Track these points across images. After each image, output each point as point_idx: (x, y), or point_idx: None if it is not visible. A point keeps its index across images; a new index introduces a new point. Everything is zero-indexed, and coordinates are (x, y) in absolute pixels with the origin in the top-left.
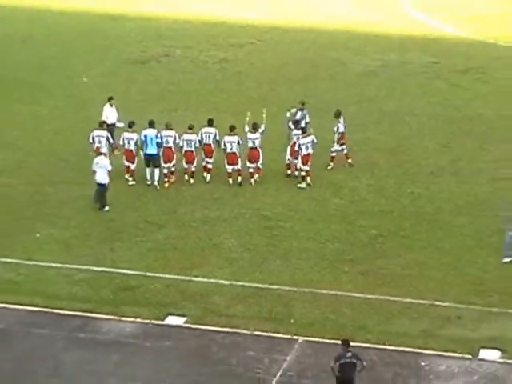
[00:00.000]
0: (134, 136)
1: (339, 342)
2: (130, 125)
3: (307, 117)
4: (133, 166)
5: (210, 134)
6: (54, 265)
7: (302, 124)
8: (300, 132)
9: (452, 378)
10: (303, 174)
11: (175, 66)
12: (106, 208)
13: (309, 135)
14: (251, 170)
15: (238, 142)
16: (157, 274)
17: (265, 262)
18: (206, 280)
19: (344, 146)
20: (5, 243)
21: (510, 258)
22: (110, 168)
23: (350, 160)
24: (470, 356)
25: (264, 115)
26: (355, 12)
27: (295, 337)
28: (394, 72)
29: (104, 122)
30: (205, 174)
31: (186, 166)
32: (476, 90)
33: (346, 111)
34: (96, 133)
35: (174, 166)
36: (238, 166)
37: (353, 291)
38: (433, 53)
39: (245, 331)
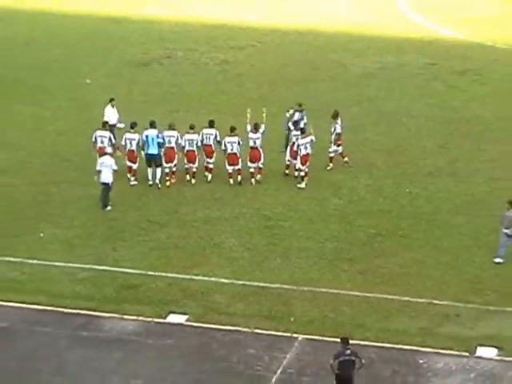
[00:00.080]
0: (136, 136)
1: (338, 339)
2: (132, 125)
3: (305, 118)
4: (135, 166)
5: (210, 135)
6: (57, 264)
7: (301, 125)
8: (299, 133)
9: (450, 376)
10: (302, 174)
11: (177, 67)
12: (108, 208)
13: (307, 136)
14: (252, 170)
15: (239, 143)
16: (159, 273)
17: (265, 261)
18: (207, 279)
19: (340, 147)
20: (9, 243)
21: (501, 258)
22: (115, 167)
23: (346, 158)
24: (467, 354)
25: (264, 115)
26: (354, 14)
27: (295, 335)
28: (393, 74)
29: (107, 122)
30: (206, 173)
31: (187, 165)
32: (473, 91)
33: (346, 112)
34: (99, 133)
35: (175, 165)
36: (239, 167)
37: (352, 290)
38: (430, 55)
39: (245, 329)
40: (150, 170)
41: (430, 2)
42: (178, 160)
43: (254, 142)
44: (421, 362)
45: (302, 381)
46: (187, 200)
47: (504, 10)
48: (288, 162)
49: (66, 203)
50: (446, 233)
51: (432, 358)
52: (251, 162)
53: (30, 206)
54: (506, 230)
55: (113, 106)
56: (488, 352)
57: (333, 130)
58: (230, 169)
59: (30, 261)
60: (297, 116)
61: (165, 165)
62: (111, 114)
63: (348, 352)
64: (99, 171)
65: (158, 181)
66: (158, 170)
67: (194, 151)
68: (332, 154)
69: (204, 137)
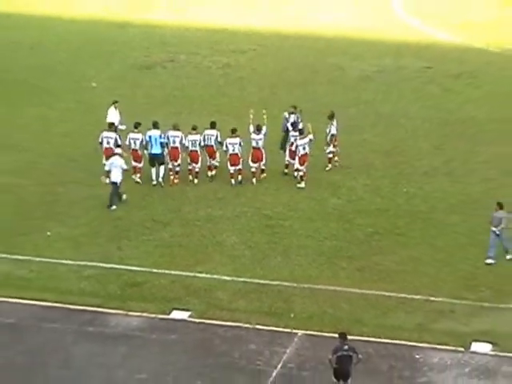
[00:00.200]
0: (139, 136)
1: (337, 335)
2: (136, 126)
3: (299, 119)
4: (140, 165)
5: (211, 136)
6: (64, 262)
7: (300, 126)
8: (297, 133)
9: (445, 370)
10: (301, 174)
11: (180, 71)
12: (114, 207)
13: (306, 136)
14: (253, 170)
15: (240, 144)
16: (162, 271)
17: (265, 258)
18: (209, 276)
19: (335, 148)
20: (17, 241)
21: (492, 259)
22: (125, 167)
23: (336, 158)
24: (462, 349)
25: (264, 116)
26: (353, 19)
27: (295, 330)
28: (390, 77)
29: (113, 123)
30: (209, 172)
31: (190, 166)
32: (468, 94)
33: (344, 114)
34: (105, 134)
35: (178, 165)
36: (240, 167)
37: (350, 286)
38: (427, 58)
39: (247, 325)
40: (153, 170)
41: (427, 6)
42: (181, 160)
43: (257, 143)
44: (417, 356)
45: (302, 375)
46: (190, 200)
47: (498, 15)
48: (287, 162)
49: (72, 203)
50: (441, 231)
51: (428, 353)
52: (253, 162)
53: (37, 205)
54: (494, 229)
55: (115, 108)
56: (482, 347)
57: (328, 130)
58: (231, 169)
59: (38, 259)
60: (292, 118)
61: (169, 163)
62: (113, 116)
63: (346, 347)
64: (109, 171)
65: (161, 179)
66: (161, 169)
67: (196, 151)
68: (330, 155)
69: (205, 137)
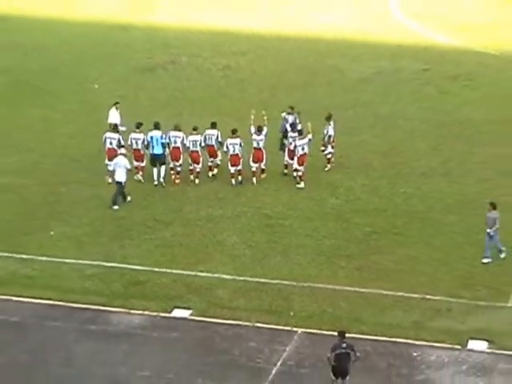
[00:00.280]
0: (141, 136)
1: (336, 333)
2: (138, 126)
3: (297, 120)
4: (142, 164)
5: (212, 136)
6: (67, 261)
7: (298, 127)
8: (296, 134)
9: (442, 368)
10: (300, 174)
11: (181, 73)
12: (116, 207)
13: (305, 136)
14: (254, 169)
15: (240, 144)
16: (164, 270)
17: (265, 257)
18: (210, 275)
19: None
20: (21, 240)
21: (489, 259)
22: (129, 167)
23: (332, 159)
24: (459, 346)
25: (265, 117)
26: (351, 22)
27: (294, 328)
28: (388, 79)
29: (116, 125)
30: (210, 173)
31: (191, 166)
32: (465, 95)
33: (343, 115)
34: (108, 135)
35: (180, 165)
36: (240, 167)
37: (349, 285)
38: (424, 60)
39: (247, 323)
40: (155, 170)
41: (424, 9)
42: (183, 160)
43: (258, 143)
44: (414, 354)
45: (301, 372)
46: (191, 200)
47: (496, 17)
48: (286, 163)
49: (75, 203)
50: (438, 231)
51: (425, 350)
52: (254, 162)
53: (40, 205)
54: (488, 230)
55: (117, 109)
56: (479, 345)
57: (325, 131)
58: (232, 169)
59: (41, 258)
60: (291, 119)
61: (171, 163)
62: (114, 117)
63: (344, 345)
64: (113, 171)
65: (162, 179)
66: (162, 169)
67: (197, 152)
68: (329, 156)
69: (206, 137)
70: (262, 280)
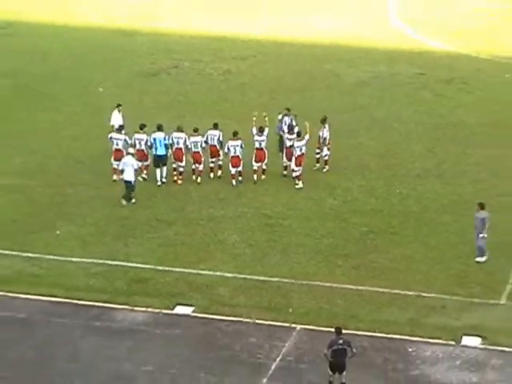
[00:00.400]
0: (144, 137)
1: (333, 329)
2: (141, 127)
3: (294, 121)
4: (146, 163)
5: (214, 136)
6: (72, 259)
7: (295, 129)
8: (293, 136)
9: (437, 363)
10: (297, 174)
11: (183, 77)
12: (124, 202)
13: (303, 138)
14: (255, 168)
15: (241, 146)
16: (167, 268)
17: (265, 256)
18: (211, 273)
19: (329, 151)
20: (28, 239)
21: (485, 256)
22: (136, 166)
23: (318, 164)
24: (453, 342)
25: (266, 118)
26: (348, 28)
27: (293, 325)
28: (384, 82)
29: (122, 126)
30: (211, 174)
31: (193, 166)
32: (459, 99)
33: (340, 119)
34: (114, 136)
35: (183, 166)
36: (241, 168)
37: (346, 283)
38: (419, 65)
39: (247, 320)
40: (158, 171)
41: (421, 16)
42: (185, 161)
43: (260, 144)
44: (410, 350)
45: (300, 368)
46: (193, 200)
47: (489, 23)
48: (285, 164)
49: (80, 203)
50: (433, 230)
51: (420, 346)
52: (256, 161)
53: (47, 205)
54: (482, 234)
55: (119, 112)
56: (473, 341)
57: (321, 134)
58: (232, 170)
59: (48, 256)
60: (287, 120)
61: (173, 162)
62: (117, 119)
63: (341, 341)
64: (122, 170)
65: (164, 179)
66: (164, 169)
67: (199, 152)
68: (326, 158)
69: (209, 138)
70: (262, 278)
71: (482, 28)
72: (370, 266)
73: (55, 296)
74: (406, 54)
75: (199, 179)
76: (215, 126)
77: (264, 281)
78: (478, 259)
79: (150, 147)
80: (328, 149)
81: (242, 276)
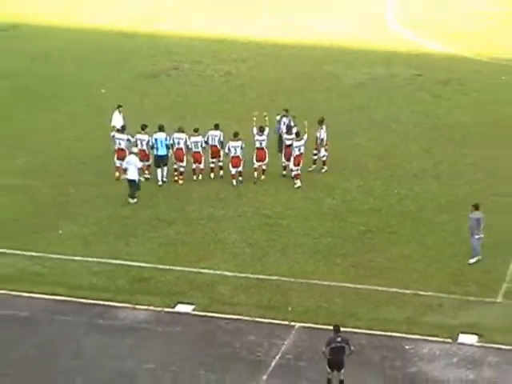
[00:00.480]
0: (146, 137)
1: (331, 327)
2: (143, 127)
3: (292, 122)
4: (148, 163)
5: (215, 137)
6: (75, 258)
7: (294, 129)
8: (292, 136)
9: (434, 360)
10: (295, 173)
11: (184, 79)
12: (134, 200)
13: (302, 138)
14: (256, 167)
15: (241, 147)
16: (168, 267)
17: (265, 255)
18: (211, 272)
19: (326, 152)
20: (31, 239)
21: (477, 257)
22: (139, 165)
23: (315, 165)
24: (450, 340)
25: (266, 118)
26: (347, 30)
27: (292, 323)
28: (382, 84)
29: (124, 126)
30: (212, 174)
31: (194, 165)
32: (456, 100)
33: (339, 120)
34: (116, 136)
35: (184, 166)
36: (241, 169)
37: (344, 282)
38: (417, 67)
39: (247, 318)
40: (159, 171)
41: (418, 18)
42: (186, 161)
43: (260, 143)
44: (407, 348)
45: (299, 365)
46: (193, 199)
47: (488, 26)
48: (284, 164)
49: (82, 203)
50: (430, 230)
51: (418, 344)
52: (257, 161)
53: (49, 205)
54: (477, 236)
55: (120, 112)
56: (469, 339)
57: (318, 135)
58: (233, 170)
59: (50, 255)
60: (286, 121)
61: (174, 163)
62: (117, 120)
63: (339, 339)
64: (126, 169)
65: (165, 179)
66: (165, 169)
67: (199, 152)
68: (324, 158)
69: (210, 138)
70: (262, 277)
71: (480, 30)
72: (368, 265)
73: (58, 294)
74: (404, 55)
75: (200, 177)
76: (216, 127)
77: (263, 279)
78: (470, 260)
79: (152, 147)
80: (325, 150)
81: (242, 275)
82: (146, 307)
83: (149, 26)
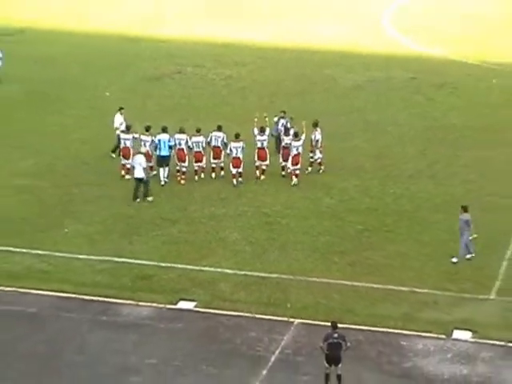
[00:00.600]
0: (149, 138)
1: (330, 323)
2: (147, 129)
3: (289, 123)
4: (150, 164)
5: (218, 138)
6: (80, 256)
7: (291, 131)
8: (290, 138)
9: (429, 356)
10: (294, 172)
11: (186, 82)
12: (150, 198)
13: (300, 138)
14: (257, 165)
15: (243, 148)
16: (170, 264)
17: (265, 253)
18: (213, 269)
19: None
20: (37, 237)
21: (471, 254)
22: (144, 165)
23: (311, 167)
24: (444, 336)
25: (266, 119)
26: (346, 35)
27: (291, 319)
28: (379, 87)
29: (129, 126)
30: (213, 174)
31: (195, 165)
32: (450, 103)
33: (337, 122)
34: (122, 136)
35: (185, 166)
36: (241, 169)
37: (342, 279)
38: (413, 70)
39: (247, 314)
40: (161, 171)
41: (414, 24)
42: (188, 162)
43: (262, 143)
44: (403, 343)
45: (298, 360)
46: (195, 199)
47: (479, 30)
48: (282, 164)
49: (87, 202)
50: (426, 228)
51: (413, 340)
52: (258, 160)
53: (55, 205)
54: (471, 237)
55: (121, 114)
56: (463, 335)
57: (313, 137)
58: (233, 171)
59: (56, 253)
60: (283, 122)
61: (177, 163)
62: (119, 122)
63: (336, 335)
64: (133, 167)
65: (166, 179)
66: (166, 169)
67: (200, 152)
68: (319, 160)
69: (213, 138)
70: (262, 274)
71: (472, 35)
72: (365, 263)
73: (64, 291)
74: (401, 60)
75: (202, 175)
76: (219, 128)
77: (263, 277)
78: (467, 256)
79: (155, 148)
80: (320, 152)
81: (243, 272)
82: (148, 304)
83: (152, 30)
